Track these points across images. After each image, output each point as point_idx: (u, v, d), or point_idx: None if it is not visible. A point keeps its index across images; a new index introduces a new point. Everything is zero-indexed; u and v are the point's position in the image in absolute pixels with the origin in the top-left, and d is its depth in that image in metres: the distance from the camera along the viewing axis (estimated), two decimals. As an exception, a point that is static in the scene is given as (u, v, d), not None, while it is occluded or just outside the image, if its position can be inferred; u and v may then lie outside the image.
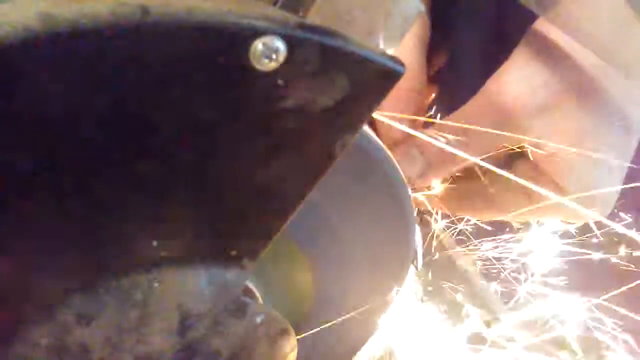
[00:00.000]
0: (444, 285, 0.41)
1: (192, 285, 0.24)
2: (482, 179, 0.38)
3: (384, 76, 0.21)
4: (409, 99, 0.39)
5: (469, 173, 0.39)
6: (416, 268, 0.40)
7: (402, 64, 0.21)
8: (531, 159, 0.36)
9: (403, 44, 0.36)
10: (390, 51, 0.24)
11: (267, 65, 0.19)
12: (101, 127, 0.18)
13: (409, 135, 0.37)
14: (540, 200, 0.36)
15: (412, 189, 0.38)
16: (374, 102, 0.22)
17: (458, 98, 0.40)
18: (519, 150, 0.37)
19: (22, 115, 0.17)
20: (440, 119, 0.38)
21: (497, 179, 0.38)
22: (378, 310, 0.36)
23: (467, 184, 0.39)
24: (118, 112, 0.18)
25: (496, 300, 0.39)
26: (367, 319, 0.36)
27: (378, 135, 0.39)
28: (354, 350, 0.37)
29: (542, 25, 0.35)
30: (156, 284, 0.23)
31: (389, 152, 0.30)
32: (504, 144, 0.36)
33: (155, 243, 0.22)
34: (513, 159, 0.38)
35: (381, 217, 0.32)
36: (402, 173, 0.31)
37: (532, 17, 0.33)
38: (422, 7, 0.24)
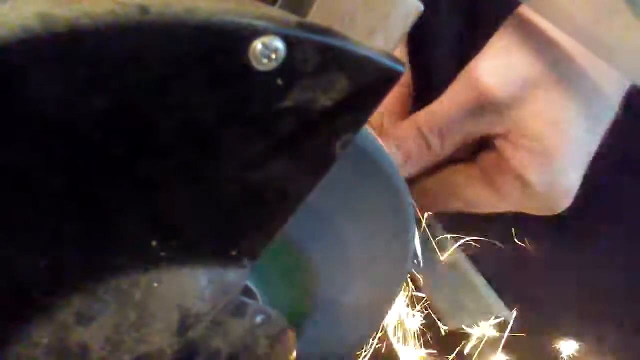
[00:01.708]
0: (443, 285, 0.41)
1: (192, 286, 0.24)
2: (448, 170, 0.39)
3: (384, 76, 0.21)
4: (396, 94, 0.39)
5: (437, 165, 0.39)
6: (419, 265, 0.39)
7: (402, 64, 0.21)
8: (498, 149, 0.36)
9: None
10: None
11: (267, 65, 0.19)
12: (100, 127, 0.18)
13: (388, 128, 0.37)
14: (506, 192, 0.36)
15: None
16: (374, 101, 0.22)
17: (434, 83, 0.40)
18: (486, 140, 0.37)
19: (22, 115, 0.17)
20: (418, 107, 0.38)
21: (462, 170, 0.38)
22: (378, 310, 0.36)
23: (433, 176, 0.39)
24: (117, 112, 0.18)
25: (497, 300, 0.39)
26: (367, 318, 0.36)
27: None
28: (354, 350, 0.37)
29: (524, 10, 0.34)
30: (156, 284, 0.23)
31: (388, 152, 0.30)
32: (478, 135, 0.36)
33: (154, 243, 0.22)
34: (480, 149, 0.38)
35: (381, 217, 0.32)
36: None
37: (508, 2, 0.33)
38: (422, 7, 0.24)
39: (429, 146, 0.36)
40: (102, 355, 0.23)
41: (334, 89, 0.20)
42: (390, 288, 0.35)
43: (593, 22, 0.29)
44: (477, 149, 0.38)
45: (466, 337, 0.39)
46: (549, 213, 0.37)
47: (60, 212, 0.20)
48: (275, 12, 0.20)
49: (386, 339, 0.39)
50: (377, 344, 0.39)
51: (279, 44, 0.18)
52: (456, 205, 0.39)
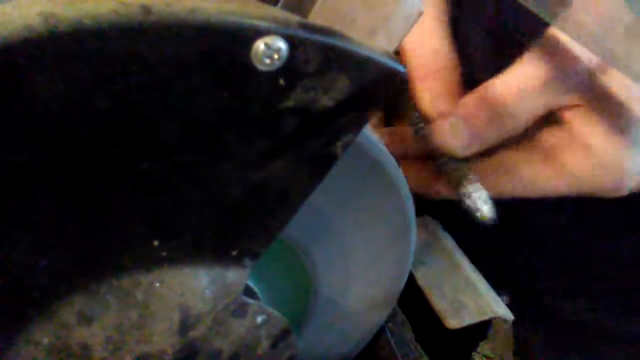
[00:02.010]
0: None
1: (193, 285, 0.24)
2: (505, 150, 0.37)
3: (386, 76, 0.21)
4: (442, 77, 0.38)
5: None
6: (490, 220, 0.37)
7: (403, 64, 0.21)
8: (567, 122, 0.34)
9: (422, 27, 0.36)
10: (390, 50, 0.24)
11: (269, 65, 0.19)
12: (102, 127, 0.18)
13: (453, 109, 0.36)
14: (570, 168, 0.35)
15: (454, 161, 0.37)
16: (375, 102, 0.22)
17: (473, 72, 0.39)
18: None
19: (24, 115, 0.17)
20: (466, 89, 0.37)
21: (519, 149, 0.36)
22: (378, 310, 0.36)
23: (486, 156, 0.37)
24: (119, 111, 0.18)
25: (497, 299, 0.39)
26: (367, 319, 0.36)
27: (418, 110, 0.38)
28: (354, 350, 0.37)
29: (555, 31, 0.34)
30: (157, 284, 0.23)
31: (389, 153, 0.30)
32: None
33: (156, 243, 0.22)
34: (539, 127, 0.36)
35: (381, 218, 0.32)
36: (402, 173, 0.31)
37: (534, 22, 0.33)
38: (423, 8, 0.24)
39: (500, 120, 0.34)
40: (103, 355, 0.23)
41: (336, 89, 0.21)
42: (391, 288, 0.35)
43: (603, 30, 0.29)
44: (535, 127, 0.36)
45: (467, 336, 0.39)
46: (614, 193, 0.35)
47: (61, 212, 0.20)
48: (277, 12, 0.20)
49: (386, 339, 0.39)
50: (377, 345, 0.39)
51: (281, 44, 0.18)
52: (511, 187, 0.36)
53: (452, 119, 0.35)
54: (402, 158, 0.40)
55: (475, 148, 0.35)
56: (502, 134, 0.35)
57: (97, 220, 0.20)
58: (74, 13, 0.16)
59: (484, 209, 0.34)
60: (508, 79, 0.34)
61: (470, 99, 0.35)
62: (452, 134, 0.35)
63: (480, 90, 0.35)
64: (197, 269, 0.23)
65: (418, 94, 0.37)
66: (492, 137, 0.35)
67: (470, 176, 0.36)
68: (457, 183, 0.36)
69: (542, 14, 0.28)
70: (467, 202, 0.35)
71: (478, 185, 0.35)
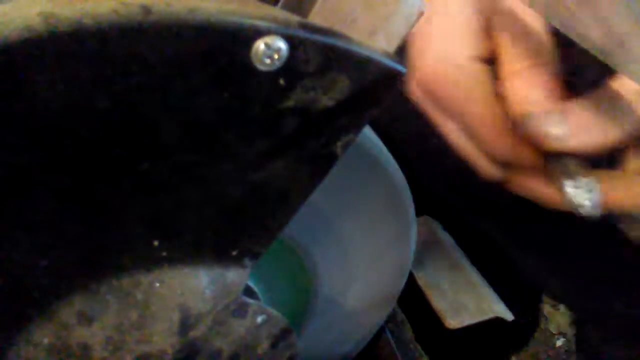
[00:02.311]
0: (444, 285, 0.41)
1: (193, 285, 0.24)
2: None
3: (386, 76, 0.21)
4: (537, 73, 0.37)
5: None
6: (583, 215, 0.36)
7: (403, 64, 0.21)
8: None
9: (524, 21, 0.35)
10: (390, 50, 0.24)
11: (269, 65, 0.19)
12: (103, 127, 0.18)
13: (551, 102, 0.33)
14: None
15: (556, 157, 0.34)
16: (375, 102, 0.22)
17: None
18: None
19: (25, 115, 0.17)
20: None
21: None
22: (378, 310, 0.36)
23: (628, 169, 0.34)
24: (119, 111, 0.18)
25: (497, 299, 0.39)
26: (367, 318, 0.36)
27: (511, 102, 0.37)
28: (355, 349, 0.37)
29: None
30: (157, 284, 0.23)
31: (389, 153, 0.30)
32: None
33: (156, 243, 0.22)
34: None
35: (382, 217, 0.32)
36: (403, 174, 0.31)
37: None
38: (424, 8, 0.24)
39: (603, 125, 0.32)
40: (103, 355, 0.23)
41: (336, 89, 0.21)
42: (391, 288, 0.35)
43: None
44: None
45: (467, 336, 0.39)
46: None
47: (61, 212, 0.20)
48: (277, 12, 0.20)
49: (386, 339, 0.39)
50: (376, 345, 0.39)
51: (281, 44, 0.18)
52: None
53: (547, 108, 0.33)
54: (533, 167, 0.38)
55: (572, 145, 0.33)
56: (610, 136, 0.33)
57: (97, 220, 0.20)
58: (74, 13, 0.16)
59: (588, 204, 0.32)
60: (618, 86, 0.32)
61: (575, 100, 0.33)
62: (546, 123, 0.33)
63: (587, 94, 0.33)
64: (197, 269, 0.23)
65: (507, 87, 0.35)
66: (595, 140, 0.33)
67: (575, 170, 0.34)
68: (558, 177, 0.34)
69: (608, 60, 0.27)
70: (568, 197, 0.33)
71: (582, 179, 0.34)
